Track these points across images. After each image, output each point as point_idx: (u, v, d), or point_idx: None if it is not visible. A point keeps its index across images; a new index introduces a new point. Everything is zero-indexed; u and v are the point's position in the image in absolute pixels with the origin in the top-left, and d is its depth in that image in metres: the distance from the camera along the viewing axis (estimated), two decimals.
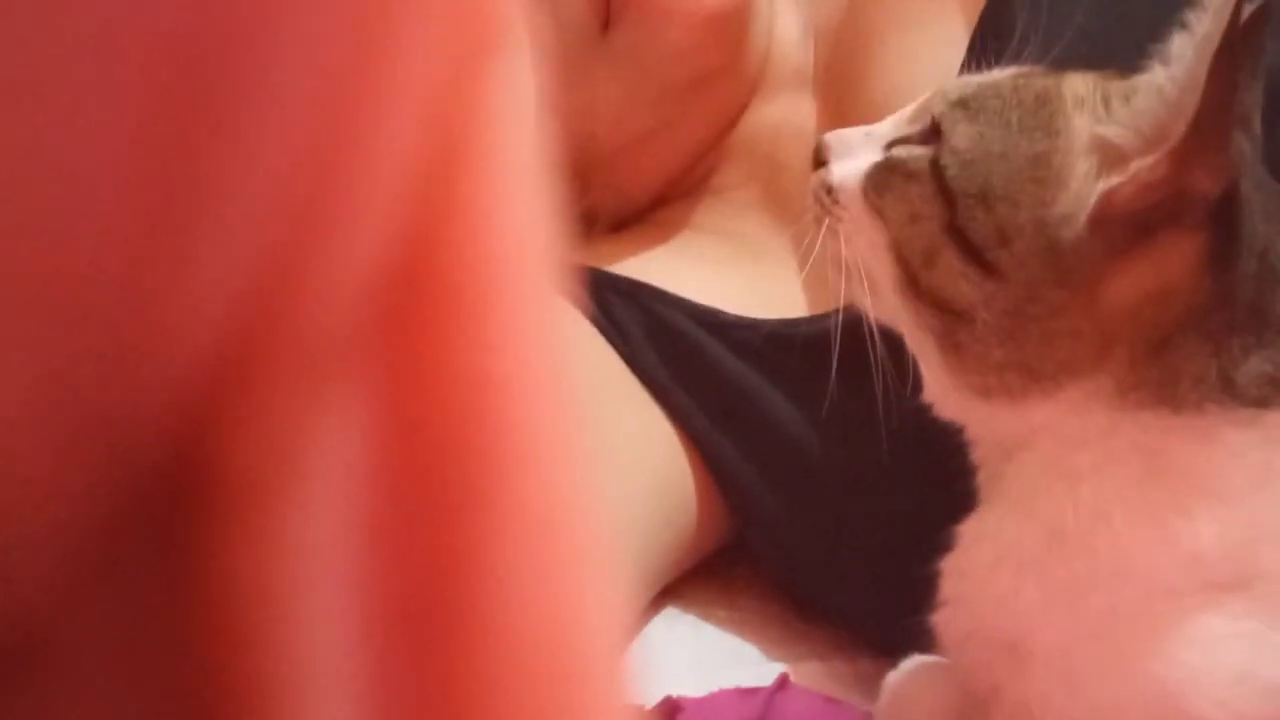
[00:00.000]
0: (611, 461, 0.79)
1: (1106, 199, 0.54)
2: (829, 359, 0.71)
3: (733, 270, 0.88)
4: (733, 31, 0.90)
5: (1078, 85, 0.57)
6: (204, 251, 0.20)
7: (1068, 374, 0.55)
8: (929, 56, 0.85)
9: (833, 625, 0.81)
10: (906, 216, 0.58)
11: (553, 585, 0.24)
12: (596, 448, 0.25)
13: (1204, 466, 0.54)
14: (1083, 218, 0.54)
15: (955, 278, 0.56)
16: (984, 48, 0.83)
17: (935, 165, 0.57)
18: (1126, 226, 0.54)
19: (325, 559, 0.22)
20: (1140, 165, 0.53)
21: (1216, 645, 0.53)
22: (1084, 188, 0.54)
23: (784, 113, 0.95)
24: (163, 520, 0.21)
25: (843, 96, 0.92)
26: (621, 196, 0.94)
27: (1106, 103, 0.56)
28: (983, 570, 0.58)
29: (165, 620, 0.21)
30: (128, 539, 0.21)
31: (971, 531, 0.59)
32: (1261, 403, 0.54)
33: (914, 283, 0.58)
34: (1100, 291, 0.54)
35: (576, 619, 0.24)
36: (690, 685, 0.75)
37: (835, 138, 0.63)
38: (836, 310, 0.70)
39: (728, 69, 0.91)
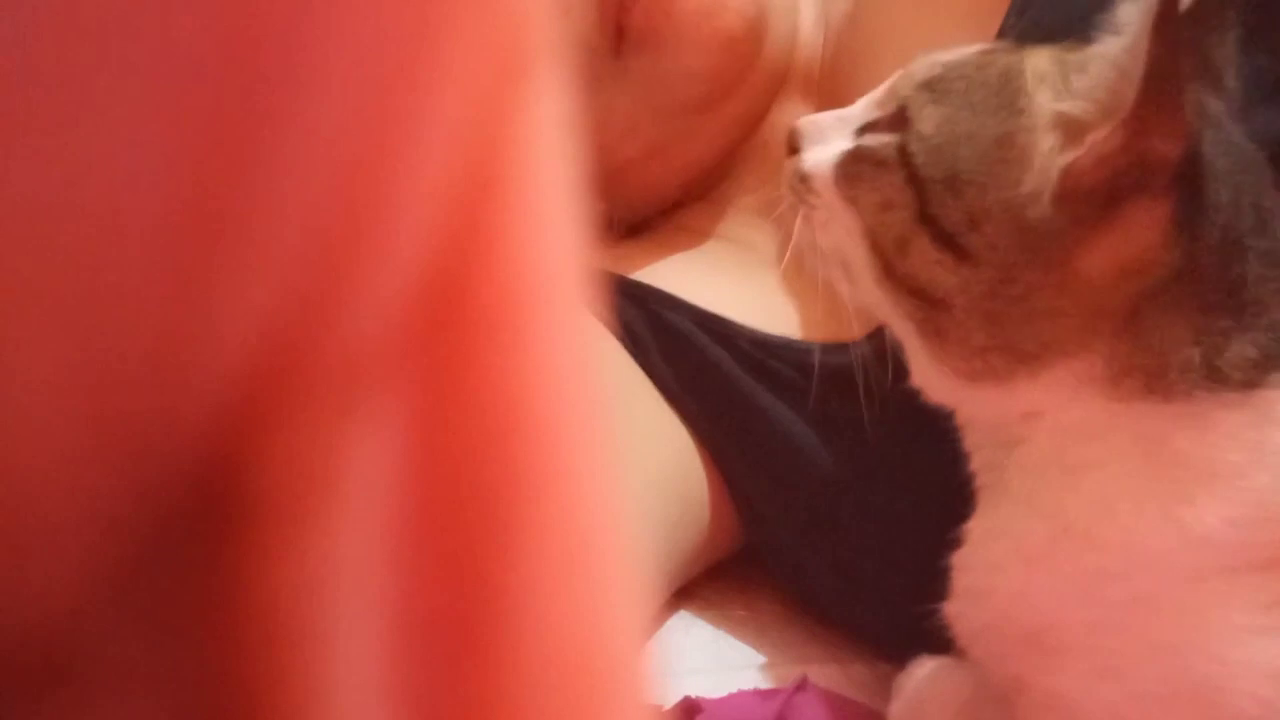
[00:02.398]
0: (626, 463, 0.79)
1: (1069, 173, 0.54)
2: (837, 378, 0.72)
3: (742, 277, 0.88)
4: (746, 51, 0.90)
5: (1039, 61, 0.57)
6: (242, 272, 0.20)
7: (1053, 353, 0.55)
8: (939, 50, 0.85)
9: (849, 629, 0.81)
10: (878, 205, 0.58)
11: (581, 606, 0.24)
12: (617, 455, 0.25)
13: (1201, 451, 0.54)
14: (1048, 194, 0.54)
15: (930, 265, 0.56)
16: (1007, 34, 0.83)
17: (903, 152, 0.57)
18: (1092, 199, 0.54)
19: (356, 578, 0.22)
20: (1096, 136, 0.53)
21: (1253, 640, 0.53)
22: (1048, 164, 0.54)
23: (794, 117, 0.95)
24: (195, 538, 0.21)
25: (850, 89, 0.91)
26: (631, 205, 0.94)
27: (1066, 77, 0.56)
28: (993, 566, 0.58)
29: (195, 638, 0.21)
30: (160, 558, 0.21)
31: (979, 528, 0.59)
32: (1249, 384, 0.54)
33: (890, 271, 0.57)
34: (1075, 267, 0.54)
35: (604, 640, 0.24)
36: (709, 687, 0.75)
37: (808, 123, 0.62)
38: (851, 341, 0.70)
39: (741, 85, 0.91)
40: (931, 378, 0.59)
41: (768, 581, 0.85)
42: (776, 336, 0.82)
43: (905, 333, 0.59)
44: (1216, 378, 0.54)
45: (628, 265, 0.89)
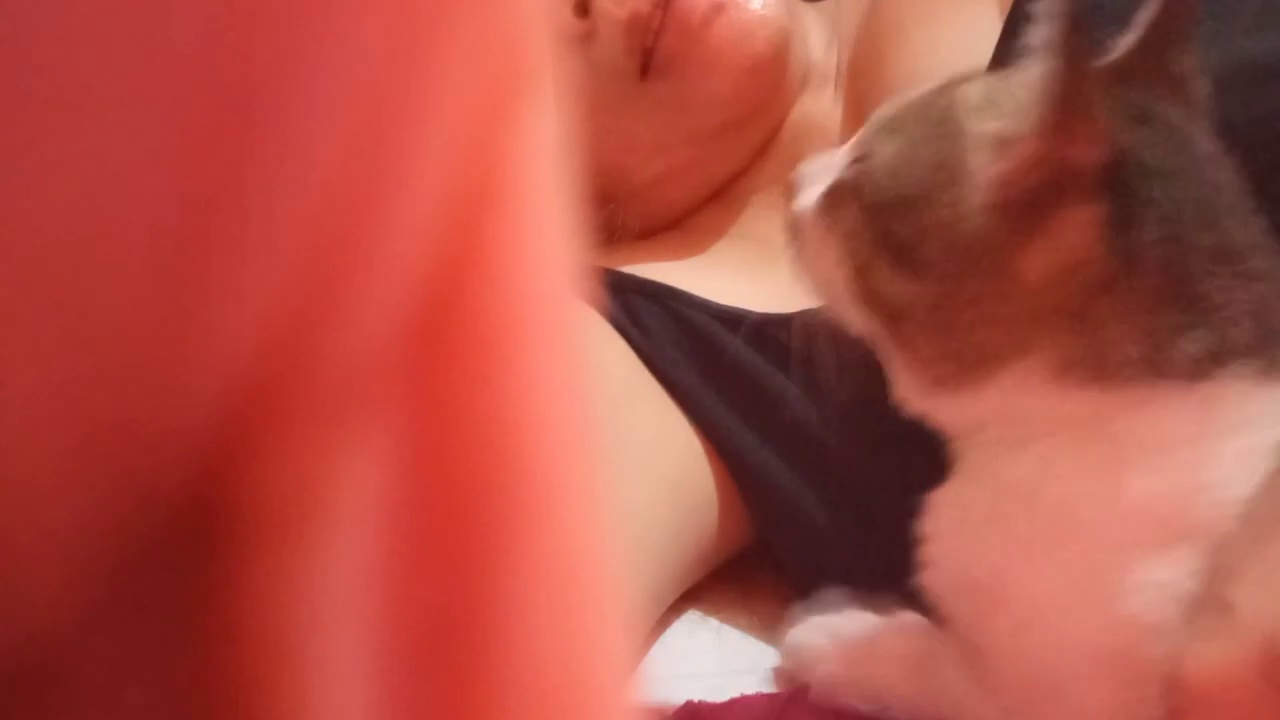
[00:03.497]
0: (632, 465, 0.79)
1: (997, 185, 0.57)
2: (850, 355, 0.72)
3: (755, 273, 0.88)
4: (772, 77, 0.90)
5: (973, 89, 0.61)
6: (236, 285, 0.20)
7: (999, 358, 0.59)
8: (955, 46, 0.85)
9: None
10: (847, 233, 0.62)
11: (569, 626, 0.24)
12: (617, 452, 0.25)
13: (1139, 431, 0.57)
14: (983, 208, 0.58)
15: (889, 282, 0.61)
16: (1019, 32, 0.83)
17: (860, 183, 0.62)
18: (1024, 208, 0.57)
19: (345, 596, 0.22)
20: (1018, 149, 0.57)
21: (1162, 592, 0.56)
22: (981, 180, 0.58)
23: (807, 113, 0.95)
24: (183, 553, 0.21)
25: (867, 91, 0.92)
26: (650, 215, 0.95)
27: (996, 101, 0.60)
28: (950, 533, 0.62)
29: (183, 652, 0.21)
30: (148, 571, 0.21)
31: (938, 499, 0.63)
32: (1194, 376, 0.57)
33: (862, 292, 0.62)
34: (1014, 274, 0.58)
35: (592, 661, 0.24)
36: (712, 690, 0.75)
37: (805, 169, 0.67)
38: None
39: (767, 107, 0.92)
40: (906, 390, 0.63)
41: (772, 584, 0.85)
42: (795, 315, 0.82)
43: (882, 349, 0.64)
44: (1160, 370, 0.57)
45: (638, 265, 0.90)
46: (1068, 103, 0.55)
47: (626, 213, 0.92)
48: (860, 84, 0.94)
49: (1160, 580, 0.56)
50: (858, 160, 0.63)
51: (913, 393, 0.63)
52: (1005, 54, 0.82)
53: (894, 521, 0.78)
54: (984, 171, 0.58)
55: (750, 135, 0.93)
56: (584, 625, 0.24)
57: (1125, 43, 0.61)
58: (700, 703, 0.73)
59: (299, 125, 0.20)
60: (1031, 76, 0.56)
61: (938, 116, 0.61)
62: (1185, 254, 0.57)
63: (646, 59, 0.88)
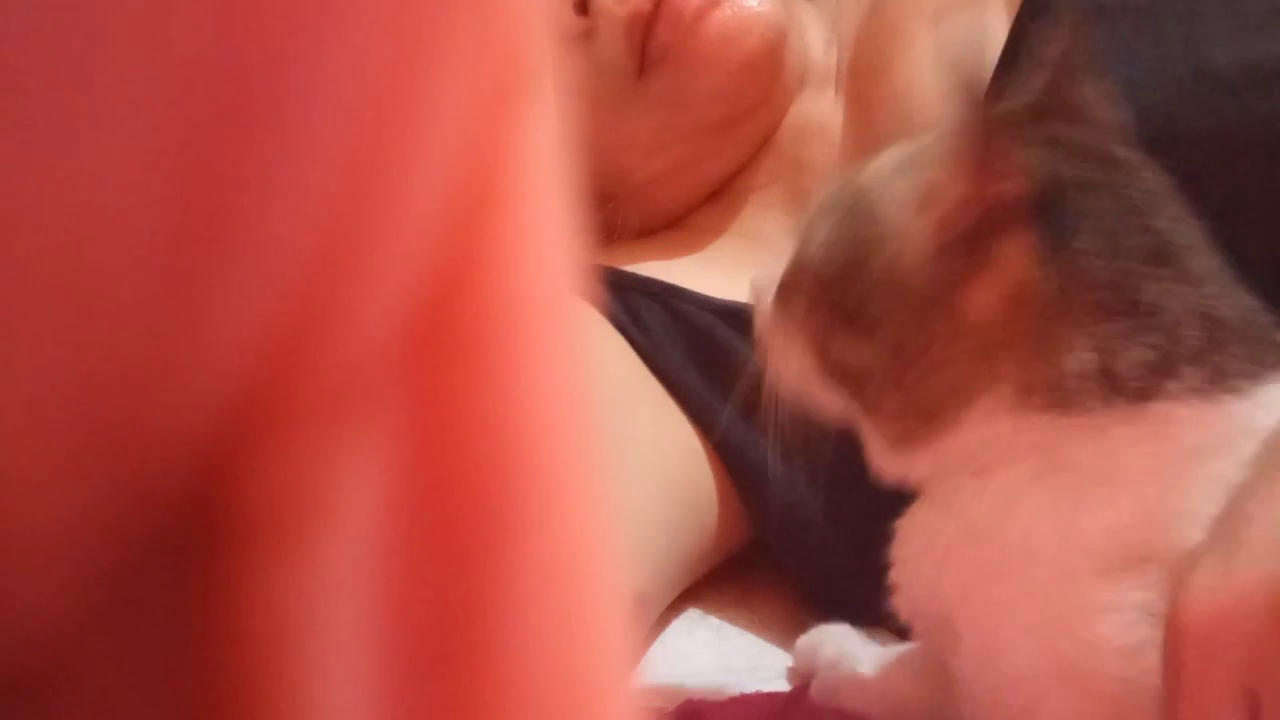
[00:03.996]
0: (630, 464, 0.79)
1: (933, 232, 0.59)
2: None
3: (753, 270, 0.88)
4: (768, 72, 0.91)
5: (885, 159, 0.64)
6: (236, 286, 0.20)
7: (962, 399, 0.60)
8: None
9: (864, 618, 0.81)
10: (802, 320, 0.65)
11: (569, 627, 0.24)
12: (616, 452, 0.25)
13: (1096, 461, 0.58)
14: (920, 257, 0.60)
15: (846, 350, 0.63)
16: (1026, 29, 0.83)
17: (806, 262, 0.65)
18: (961, 249, 0.59)
19: (345, 596, 0.22)
20: (943, 196, 0.59)
21: (1111, 618, 0.57)
22: (912, 233, 0.60)
23: (807, 113, 0.95)
24: (183, 554, 0.21)
25: (870, 92, 0.92)
26: (650, 213, 0.95)
27: (911, 161, 0.63)
28: (917, 559, 0.63)
29: (183, 652, 0.21)
30: (148, 572, 0.21)
31: (905, 525, 0.64)
32: (1144, 395, 0.58)
33: (825, 367, 0.64)
34: (961, 314, 0.59)
35: (592, 665, 0.24)
36: (712, 689, 0.75)
37: (756, 280, 0.69)
38: None
39: (763, 103, 0.92)
40: (881, 459, 0.65)
41: (771, 584, 0.85)
42: None
43: (854, 421, 0.65)
44: (1113, 387, 0.58)
45: (638, 263, 0.90)
46: (982, 144, 0.58)
47: (626, 211, 0.93)
48: (862, 84, 0.94)
49: (1128, 603, 0.57)
50: (796, 254, 0.66)
51: (887, 458, 0.64)
52: (1012, 55, 0.82)
53: (892, 522, 0.78)
54: (913, 225, 0.60)
55: (748, 132, 0.93)
56: (584, 625, 0.24)
57: (1034, 82, 0.64)
58: (700, 701, 0.73)
59: (299, 126, 0.19)
60: (940, 131, 0.59)
61: (856, 192, 0.64)
62: (1120, 260, 0.59)
63: (645, 56, 0.88)
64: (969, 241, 0.59)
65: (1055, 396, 0.58)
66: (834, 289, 0.63)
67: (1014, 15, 0.85)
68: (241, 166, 0.19)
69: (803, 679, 0.76)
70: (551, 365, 0.23)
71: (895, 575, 0.65)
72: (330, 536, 0.21)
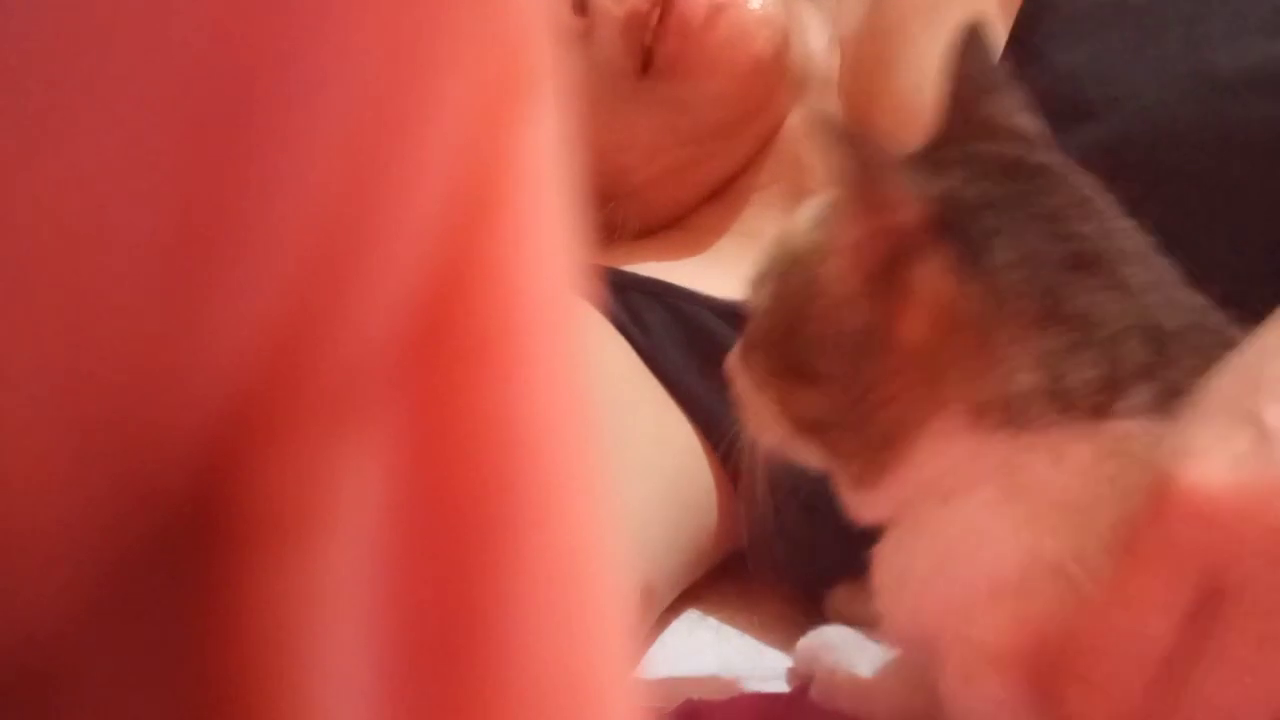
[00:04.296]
0: (631, 463, 0.79)
1: (846, 273, 0.60)
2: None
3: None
4: (773, 75, 0.90)
5: (801, 215, 0.65)
6: (236, 288, 0.20)
7: (914, 427, 0.60)
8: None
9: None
10: (762, 379, 0.66)
11: (571, 630, 0.24)
12: (616, 451, 0.25)
13: (1057, 482, 0.58)
14: (845, 300, 0.61)
15: (802, 402, 0.64)
16: (1027, 32, 0.83)
17: (754, 332, 0.67)
18: (879, 283, 0.60)
19: (345, 596, 0.22)
20: (849, 236, 0.60)
21: None
22: (833, 280, 0.61)
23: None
24: (184, 555, 0.21)
25: (869, 93, 0.92)
26: (649, 214, 0.95)
27: (819, 214, 0.63)
28: (896, 587, 0.63)
29: (183, 653, 0.21)
30: (148, 572, 0.21)
31: (882, 553, 0.64)
32: (1098, 412, 0.57)
33: (791, 421, 0.65)
34: (898, 345, 0.59)
35: (593, 665, 0.24)
36: (712, 690, 0.75)
37: (730, 357, 0.71)
38: None
39: (767, 105, 0.92)
40: (853, 503, 0.65)
41: (771, 584, 0.85)
42: None
43: (824, 468, 0.66)
44: (1064, 404, 0.57)
45: (639, 263, 0.90)
46: (870, 181, 0.59)
47: (626, 211, 0.93)
48: (862, 84, 0.94)
49: None
50: (749, 318, 0.68)
51: (856, 500, 0.65)
52: (1013, 58, 0.82)
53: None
54: (832, 273, 0.61)
55: (750, 133, 0.93)
56: (585, 625, 0.24)
57: (938, 118, 0.65)
58: (700, 702, 0.73)
59: (300, 127, 0.19)
60: (835, 179, 0.60)
61: (784, 251, 0.65)
62: (1041, 269, 0.58)
63: (646, 57, 0.88)
64: (885, 277, 0.59)
65: (1007, 415, 0.58)
66: (781, 348, 0.64)
67: (1012, 18, 0.85)
68: (242, 167, 0.19)
69: (803, 680, 0.76)
70: (552, 365, 0.23)
71: (878, 604, 0.65)
72: (330, 537, 0.21)
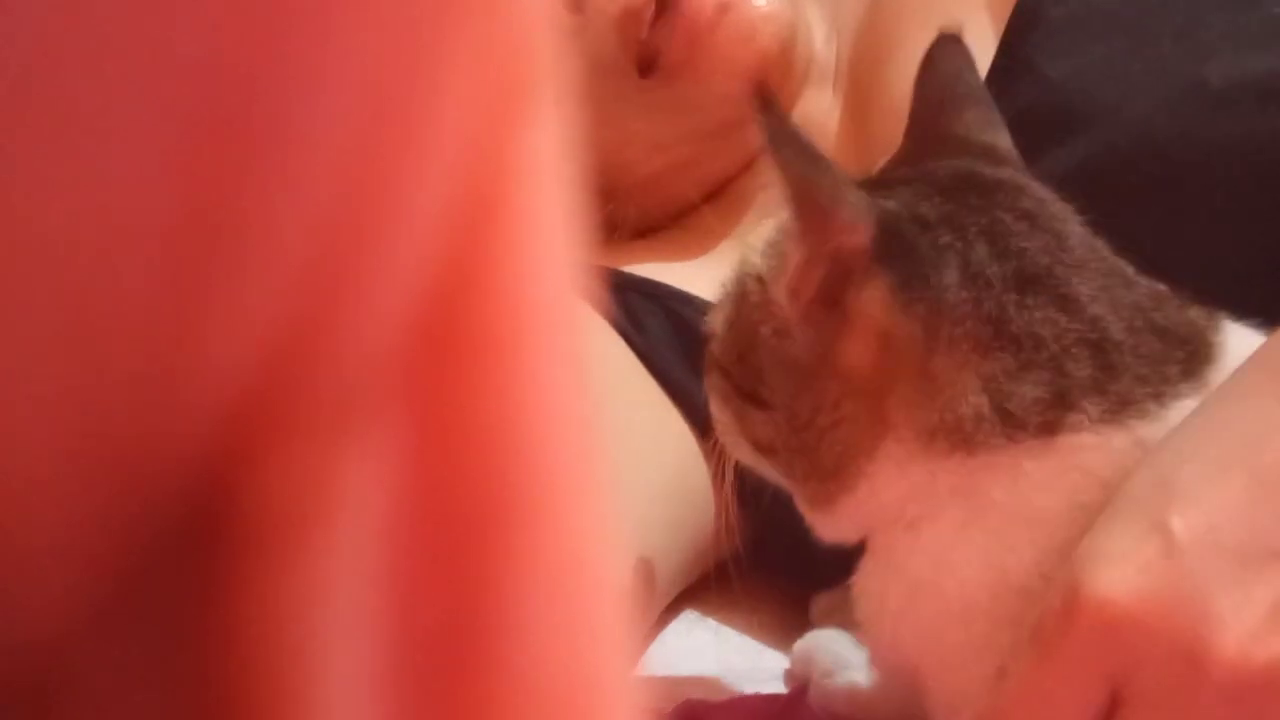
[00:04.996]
0: (628, 464, 0.79)
1: (789, 299, 0.61)
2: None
3: None
4: (780, 70, 0.90)
5: (763, 235, 0.66)
6: (238, 290, 0.20)
7: (863, 453, 0.60)
8: None
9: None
10: (722, 401, 0.67)
11: (572, 630, 0.24)
12: (615, 455, 0.25)
13: (1016, 501, 0.57)
14: (788, 328, 0.61)
15: (755, 424, 0.65)
16: (1017, 42, 0.83)
17: (711, 354, 0.68)
18: (820, 308, 0.60)
19: (348, 600, 0.22)
20: (791, 260, 0.60)
21: None
22: (777, 307, 0.62)
23: (806, 111, 0.95)
24: (186, 560, 0.21)
25: (865, 93, 0.92)
26: (649, 212, 0.95)
27: (771, 241, 0.64)
28: (874, 621, 0.63)
29: (186, 658, 0.21)
30: (151, 578, 0.21)
31: (858, 586, 0.64)
32: (1049, 429, 0.57)
33: (746, 439, 0.66)
34: (842, 371, 0.60)
35: (597, 666, 0.24)
36: (710, 690, 0.75)
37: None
38: None
39: None
40: (812, 522, 0.65)
41: (769, 585, 0.85)
42: None
43: (785, 487, 0.66)
44: (1012, 424, 0.57)
45: (636, 264, 0.90)
46: (810, 204, 0.58)
47: (626, 209, 0.92)
48: (861, 83, 0.94)
49: None
50: (709, 341, 0.68)
51: (817, 522, 0.65)
52: (1003, 68, 0.82)
53: None
54: (775, 299, 0.62)
55: (752, 132, 0.93)
56: (588, 626, 0.24)
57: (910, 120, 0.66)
58: (698, 703, 0.73)
59: (303, 131, 0.19)
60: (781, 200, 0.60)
61: (739, 276, 0.66)
62: (986, 289, 0.58)
63: (643, 54, 0.88)
64: (825, 301, 0.59)
65: (956, 439, 0.58)
66: (735, 374, 0.65)
67: (1003, 27, 0.85)
68: (244, 168, 0.19)
69: (800, 682, 0.76)
70: (554, 368, 0.23)
71: (861, 636, 0.66)
72: (333, 539, 0.21)
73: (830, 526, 0.64)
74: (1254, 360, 0.55)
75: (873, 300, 0.58)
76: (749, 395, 0.64)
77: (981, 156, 0.64)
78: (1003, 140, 0.66)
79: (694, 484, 0.83)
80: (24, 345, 0.19)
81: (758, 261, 0.64)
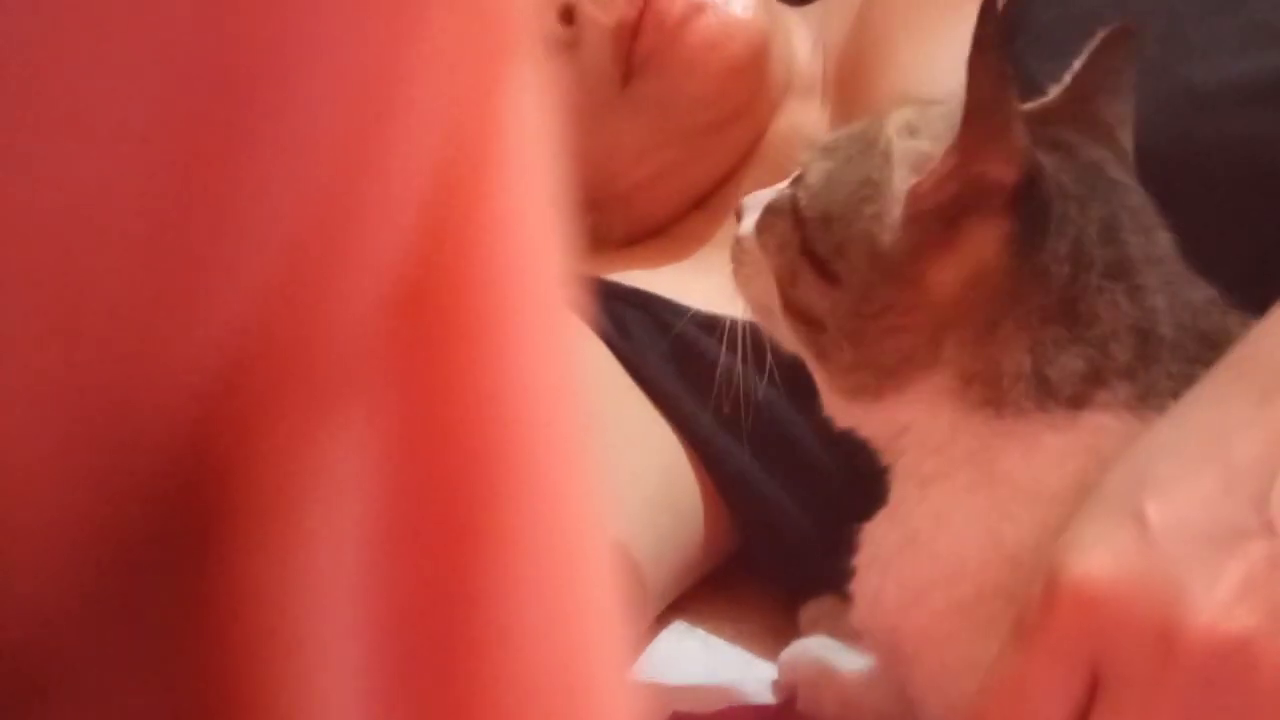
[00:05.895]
0: (616, 474, 0.79)
1: (911, 197, 0.60)
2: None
3: None
4: (752, 77, 0.91)
5: (904, 113, 0.65)
6: (223, 268, 0.20)
7: (910, 366, 0.61)
8: (941, 60, 0.85)
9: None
10: (777, 246, 0.66)
11: (560, 610, 0.24)
12: (602, 462, 0.25)
13: (1027, 473, 0.59)
14: (897, 220, 0.61)
15: (811, 291, 0.64)
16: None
17: (793, 200, 0.66)
18: (936, 220, 0.59)
19: (335, 578, 0.21)
20: (933, 164, 0.60)
21: None
22: (899, 194, 0.61)
23: (794, 122, 0.95)
24: (174, 545, 0.21)
25: (853, 103, 0.92)
26: (636, 220, 0.95)
27: (923, 122, 0.63)
28: (865, 569, 0.64)
29: (176, 644, 0.21)
30: (139, 565, 0.20)
31: (865, 532, 0.65)
32: (1076, 402, 0.58)
33: (788, 302, 0.65)
34: (923, 284, 0.60)
35: (584, 649, 0.24)
36: (700, 700, 0.75)
37: (749, 198, 0.70)
38: None
39: (748, 107, 0.92)
40: (831, 404, 0.66)
41: (758, 594, 0.85)
42: None
43: (807, 361, 0.66)
44: (1045, 390, 0.58)
45: (624, 273, 0.90)
46: (986, 121, 0.58)
47: (611, 219, 0.93)
48: (848, 93, 0.94)
49: None
50: (794, 182, 0.66)
51: (836, 406, 0.65)
52: None
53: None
54: (903, 186, 0.61)
55: (733, 138, 0.94)
56: (576, 603, 0.24)
57: (1057, 89, 0.65)
58: (687, 714, 0.73)
59: (287, 98, 0.19)
60: (957, 100, 0.59)
61: (869, 139, 0.64)
62: (1083, 270, 0.59)
63: (629, 60, 0.89)
64: (944, 216, 0.59)
65: (991, 393, 0.59)
66: (813, 233, 0.64)
67: None
68: (230, 140, 0.19)
69: (789, 692, 0.75)
70: (539, 344, 0.23)
71: (853, 584, 0.65)
72: (320, 518, 0.21)
73: (851, 418, 0.65)
74: (1225, 363, 0.57)
75: (989, 238, 0.59)
76: (818, 262, 0.63)
77: (1114, 153, 0.65)
78: (1129, 140, 0.66)
79: (681, 493, 0.83)
80: (12, 323, 0.19)
81: (892, 136, 0.63)
